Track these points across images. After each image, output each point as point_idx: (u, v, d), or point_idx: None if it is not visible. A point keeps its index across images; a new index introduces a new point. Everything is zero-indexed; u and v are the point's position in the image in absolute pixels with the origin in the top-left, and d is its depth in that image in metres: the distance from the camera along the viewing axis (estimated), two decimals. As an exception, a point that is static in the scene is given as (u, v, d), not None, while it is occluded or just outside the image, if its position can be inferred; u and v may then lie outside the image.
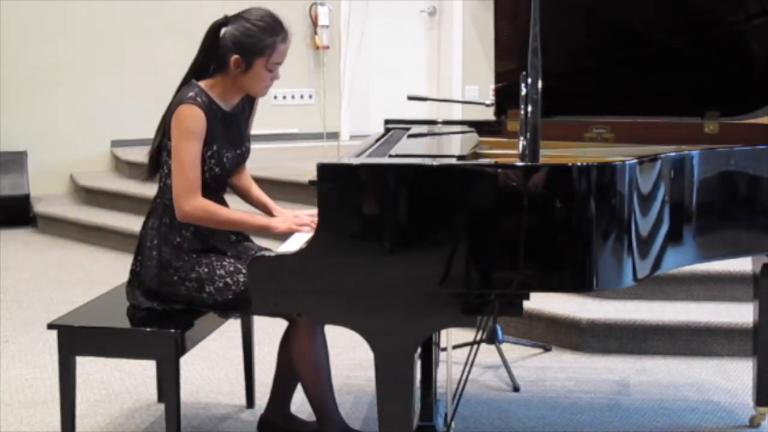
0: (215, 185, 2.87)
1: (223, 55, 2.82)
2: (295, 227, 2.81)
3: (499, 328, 3.82)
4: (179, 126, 2.77)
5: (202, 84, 2.86)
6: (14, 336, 4.30)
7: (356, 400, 3.50)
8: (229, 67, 2.83)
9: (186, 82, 2.88)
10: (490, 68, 3.28)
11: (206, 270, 2.83)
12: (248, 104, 3.00)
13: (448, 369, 3.05)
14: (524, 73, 2.33)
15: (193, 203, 2.76)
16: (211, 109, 2.81)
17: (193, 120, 2.76)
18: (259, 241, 3.14)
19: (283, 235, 2.85)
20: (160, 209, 2.90)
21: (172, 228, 2.86)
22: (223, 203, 2.94)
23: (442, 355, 3.47)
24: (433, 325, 2.43)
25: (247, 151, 3.01)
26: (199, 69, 2.88)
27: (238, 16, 2.84)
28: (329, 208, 2.28)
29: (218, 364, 3.91)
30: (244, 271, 2.81)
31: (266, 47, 2.80)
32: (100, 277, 5.19)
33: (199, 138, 2.77)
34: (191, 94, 2.80)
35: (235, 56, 2.80)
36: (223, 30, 2.83)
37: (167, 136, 2.84)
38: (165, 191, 2.89)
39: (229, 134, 2.90)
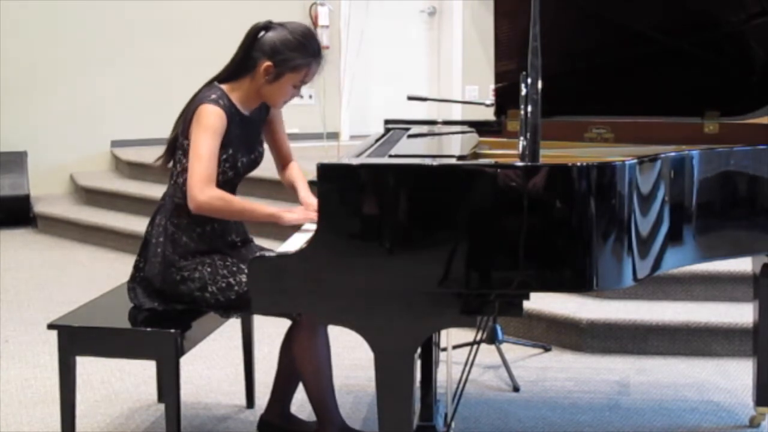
0: (226, 189, 2.87)
1: (254, 59, 2.81)
2: (304, 218, 2.81)
3: (499, 328, 3.82)
4: (200, 122, 2.76)
5: (224, 87, 2.85)
6: (14, 336, 4.30)
7: (356, 400, 3.50)
8: (257, 73, 2.81)
9: (212, 81, 2.87)
10: (490, 68, 3.28)
11: (209, 270, 2.83)
12: (265, 108, 2.99)
13: (448, 369, 3.05)
14: (524, 73, 2.33)
15: (208, 192, 2.73)
16: (231, 112, 2.81)
17: (214, 117, 2.75)
18: (259, 241, 3.14)
19: (285, 234, 2.85)
20: (170, 208, 2.89)
21: (180, 228, 2.86)
22: None
23: (442, 355, 3.47)
24: (433, 325, 2.43)
25: (261, 155, 3.00)
26: (232, 69, 2.85)
27: (282, 25, 2.83)
28: (329, 209, 2.28)
29: (218, 364, 3.91)
30: (246, 271, 2.80)
31: (302, 66, 2.81)
32: (100, 277, 5.19)
33: (219, 135, 2.76)
34: (213, 96, 2.79)
35: (267, 63, 2.79)
36: (263, 33, 2.82)
37: (184, 135, 2.83)
38: (176, 190, 2.88)
39: (245, 138, 2.90)
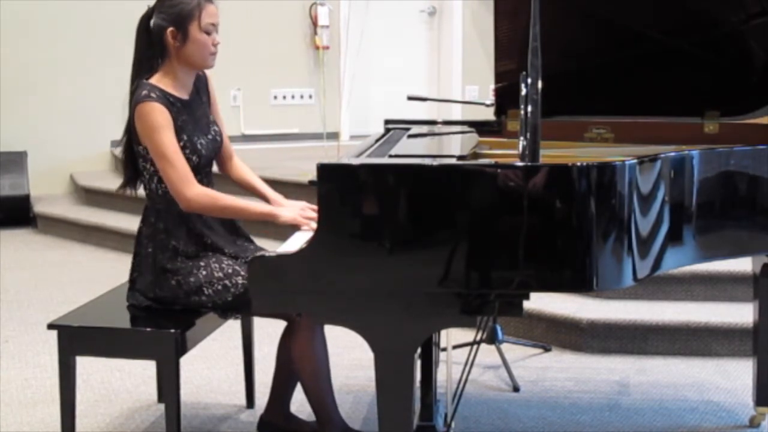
0: (199, 177, 2.85)
1: (160, 41, 2.84)
2: (301, 219, 2.81)
3: (499, 328, 3.82)
4: (145, 124, 2.77)
5: (152, 81, 2.85)
6: (14, 336, 4.30)
7: (356, 400, 3.50)
8: (169, 48, 2.84)
9: (134, 83, 2.88)
10: (490, 68, 3.28)
11: (204, 273, 2.82)
12: (203, 89, 3.00)
13: (448, 369, 3.05)
14: (524, 73, 2.33)
15: (194, 189, 2.77)
16: (168, 101, 2.81)
17: (154, 113, 2.76)
18: (259, 241, 3.14)
19: (284, 234, 2.85)
20: (152, 215, 2.91)
21: (166, 233, 2.86)
22: None
23: (442, 355, 3.47)
24: (433, 325, 2.43)
25: (219, 134, 2.99)
26: (142, 67, 2.88)
27: (160, 0, 2.88)
28: (329, 209, 2.28)
29: (218, 364, 3.91)
30: (242, 273, 2.80)
31: (194, 9, 2.83)
32: (100, 277, 5.18)
33: (169, 127, 2.77)
34: (144, 92, 2.79)
35: (169, 29, 2.82)
36: (152, 20, 2.86)
37: (136, 141, 2.84)
38: (153, 197, 2.90)
39: (195, 121, 2.90)
